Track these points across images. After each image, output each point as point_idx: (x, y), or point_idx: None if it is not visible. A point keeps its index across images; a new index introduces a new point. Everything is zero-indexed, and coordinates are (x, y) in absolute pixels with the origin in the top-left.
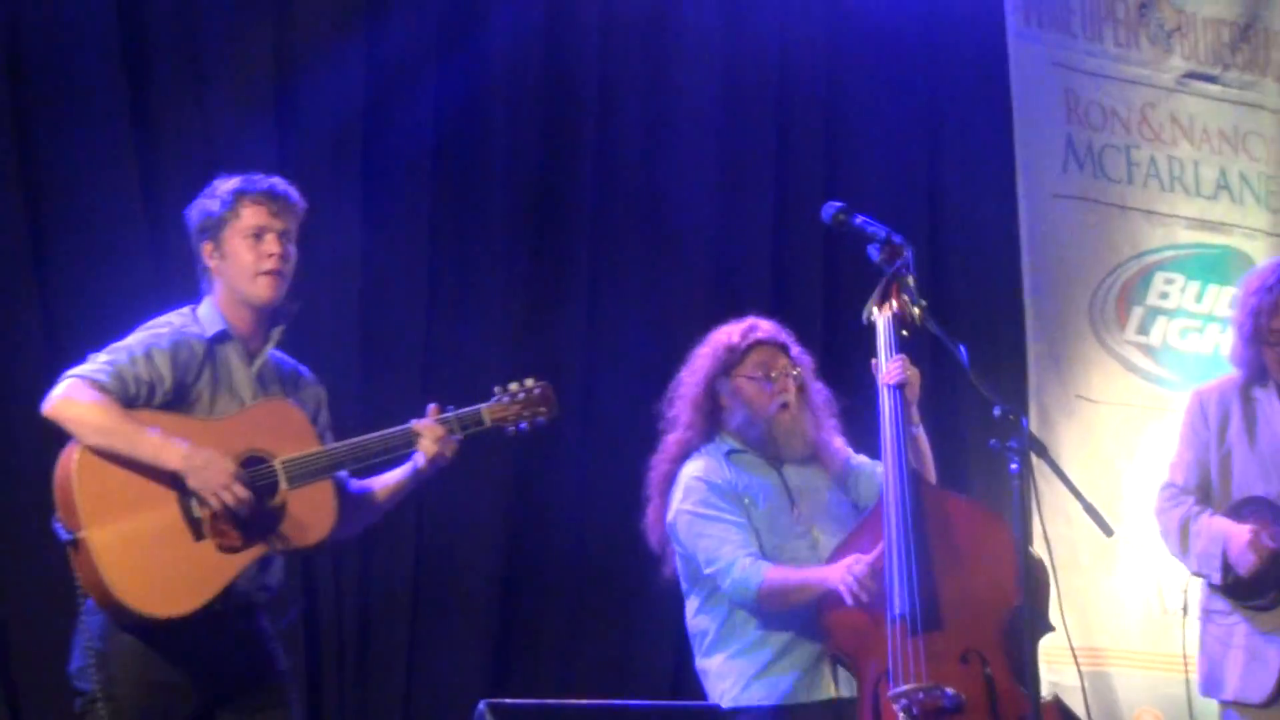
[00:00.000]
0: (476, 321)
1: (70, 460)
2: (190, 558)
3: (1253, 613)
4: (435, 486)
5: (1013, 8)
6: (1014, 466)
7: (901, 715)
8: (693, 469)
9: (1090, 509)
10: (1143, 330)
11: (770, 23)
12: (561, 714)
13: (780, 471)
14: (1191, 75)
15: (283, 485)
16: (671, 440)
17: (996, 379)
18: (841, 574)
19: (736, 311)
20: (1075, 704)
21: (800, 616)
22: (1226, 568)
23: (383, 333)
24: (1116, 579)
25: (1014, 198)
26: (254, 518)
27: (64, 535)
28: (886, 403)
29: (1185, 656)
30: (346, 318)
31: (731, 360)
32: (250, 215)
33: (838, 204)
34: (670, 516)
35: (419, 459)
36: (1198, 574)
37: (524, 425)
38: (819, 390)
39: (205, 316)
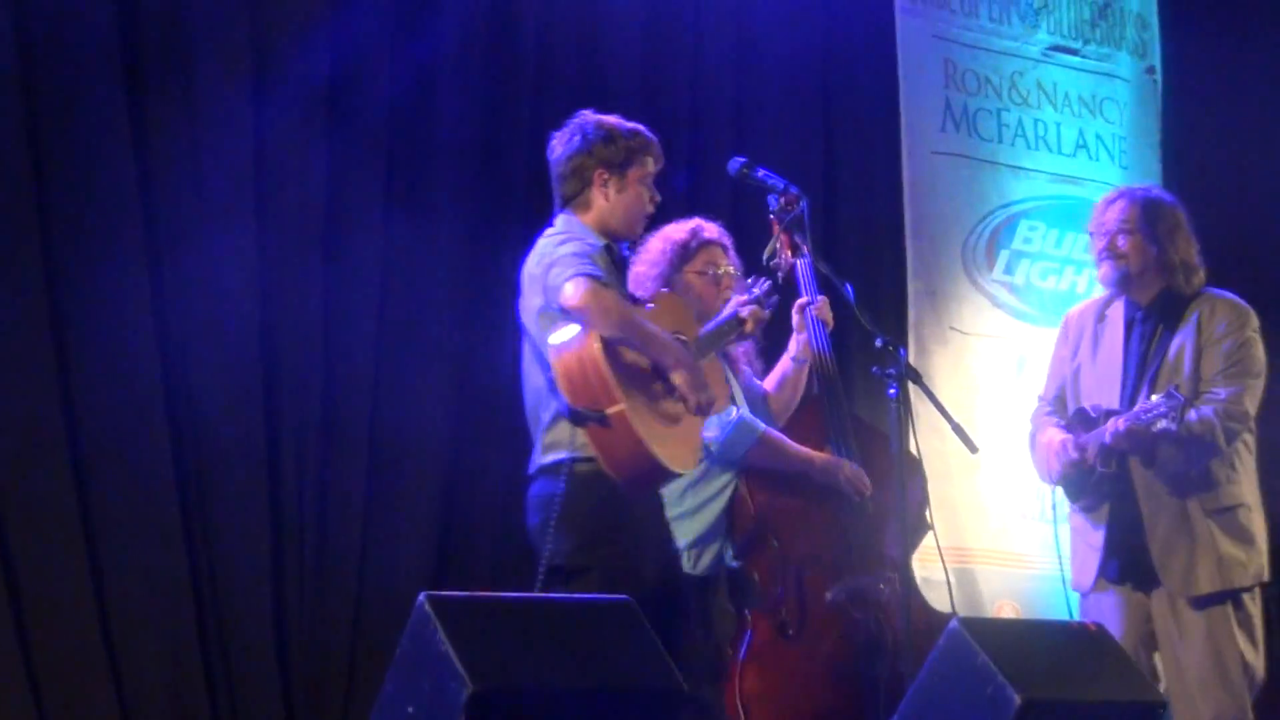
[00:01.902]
0: (429, 282)
1: (592, 346)
2: (682, 421)
3: (1087, 510)
4: (388, 393)
5: None
6: (892, 391)
7: (834, 596)
8: None
9: (957, 428)
10: (1008, 270)
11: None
12: (493, 606)
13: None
14: (1056, 48)
15: (699, 359)
16: None
17: (879, 313)
18: (854, 472)
19: None
20: (942, 597)
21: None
22: (1051, 473)
23: (340, 282)
24: (981, 488)
25: (899, 154)
26: None
27: (591, 416)
28: (814, 332)
29: (1060, 556)
30: (310, 268)
31: (684, 256)
32: (653, 165)
33: (741, 159)
34: None
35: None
36: (1044, 481)
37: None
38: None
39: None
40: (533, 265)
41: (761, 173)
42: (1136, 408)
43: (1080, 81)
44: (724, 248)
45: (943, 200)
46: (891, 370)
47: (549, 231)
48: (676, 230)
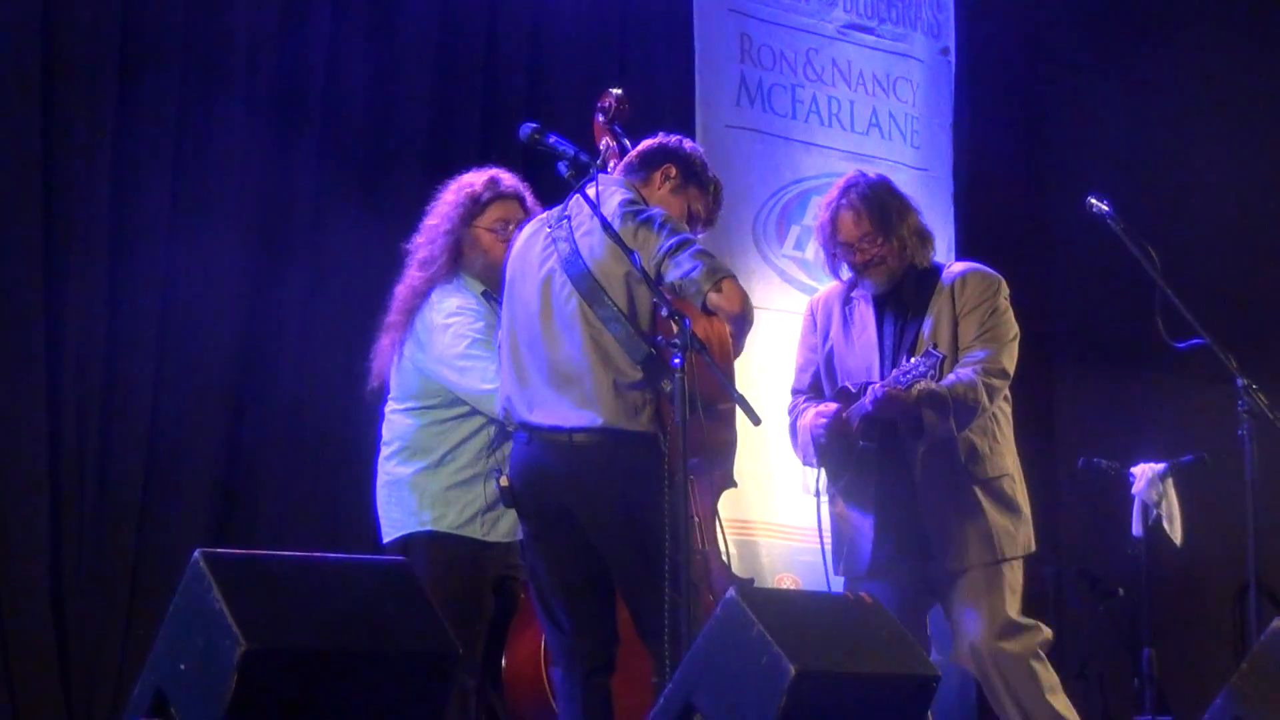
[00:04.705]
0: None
1: (728, 341)
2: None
3: (850, 493)
4: (172, 346)
5: None
6: (677, 360)
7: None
8: (455, 301)
9: (740, 400)
10: (798, 246)
11: None
12: (269, 564)
13: None
14: (851, 26)
15: None
16: (421, 277)
17: None
18: None
19: None
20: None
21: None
22: (813, 451)
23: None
24: (764, 461)
25: (693, 127)
26: None
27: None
28: None
29: (822, 532)
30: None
31: (475, 210)
32: (703, 205)
33: (533, 124)
34: (437, 336)
35: None
36: (807, 464)
37: None
38: None
39: None
40: (627, 219)
41: (552, 139)
42: (894, 371)
43: (875, 60)
44: (520, 199)
45: (735, 174)
46: (676, 340)
47: (622, 188)
48: (470, 181)
